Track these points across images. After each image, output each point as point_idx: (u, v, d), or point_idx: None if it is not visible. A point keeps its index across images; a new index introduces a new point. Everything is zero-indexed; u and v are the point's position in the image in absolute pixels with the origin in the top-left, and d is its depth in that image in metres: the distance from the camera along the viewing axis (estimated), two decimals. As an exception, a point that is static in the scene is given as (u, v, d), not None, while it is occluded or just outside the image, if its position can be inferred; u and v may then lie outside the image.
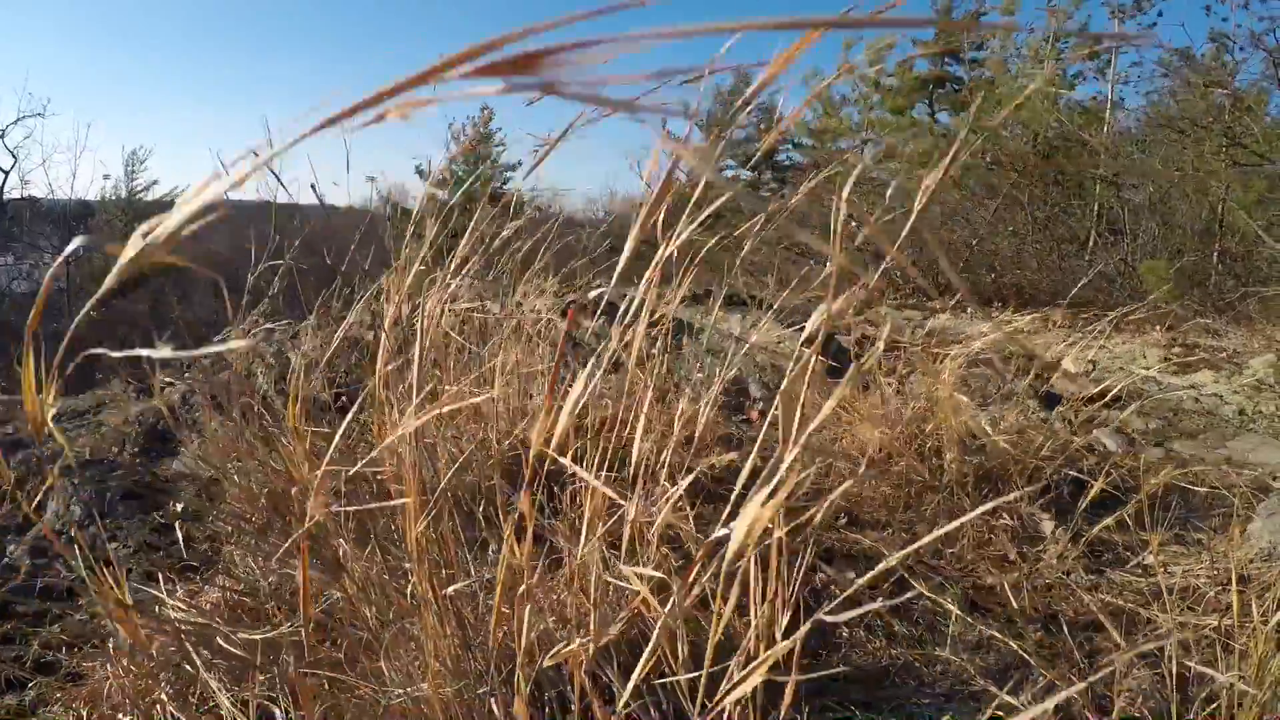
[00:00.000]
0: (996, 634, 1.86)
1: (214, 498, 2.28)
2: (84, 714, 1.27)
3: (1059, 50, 14.08)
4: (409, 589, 1.14)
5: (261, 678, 1.13)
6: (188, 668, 1.13)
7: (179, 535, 2.04)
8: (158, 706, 1.18)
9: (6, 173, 21.17)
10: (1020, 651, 1.76)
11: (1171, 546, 2.37)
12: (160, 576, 1.86)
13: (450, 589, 1.06)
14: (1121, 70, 12.94)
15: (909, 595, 1.26)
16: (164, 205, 22.66)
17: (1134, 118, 12.53)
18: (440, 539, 1.13)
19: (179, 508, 2.54)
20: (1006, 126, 12.19)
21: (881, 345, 1.17)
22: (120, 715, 1.20)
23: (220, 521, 2.07)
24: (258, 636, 1.11)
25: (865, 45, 22.32)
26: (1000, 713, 1.62)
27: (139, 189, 23.47)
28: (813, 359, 0.98)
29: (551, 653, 0.92)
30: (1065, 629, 1.90)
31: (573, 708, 1.02)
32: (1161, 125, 10.87)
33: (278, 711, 1.05)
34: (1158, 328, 6.34)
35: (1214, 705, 1.46)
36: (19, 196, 21.68)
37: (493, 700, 1.01)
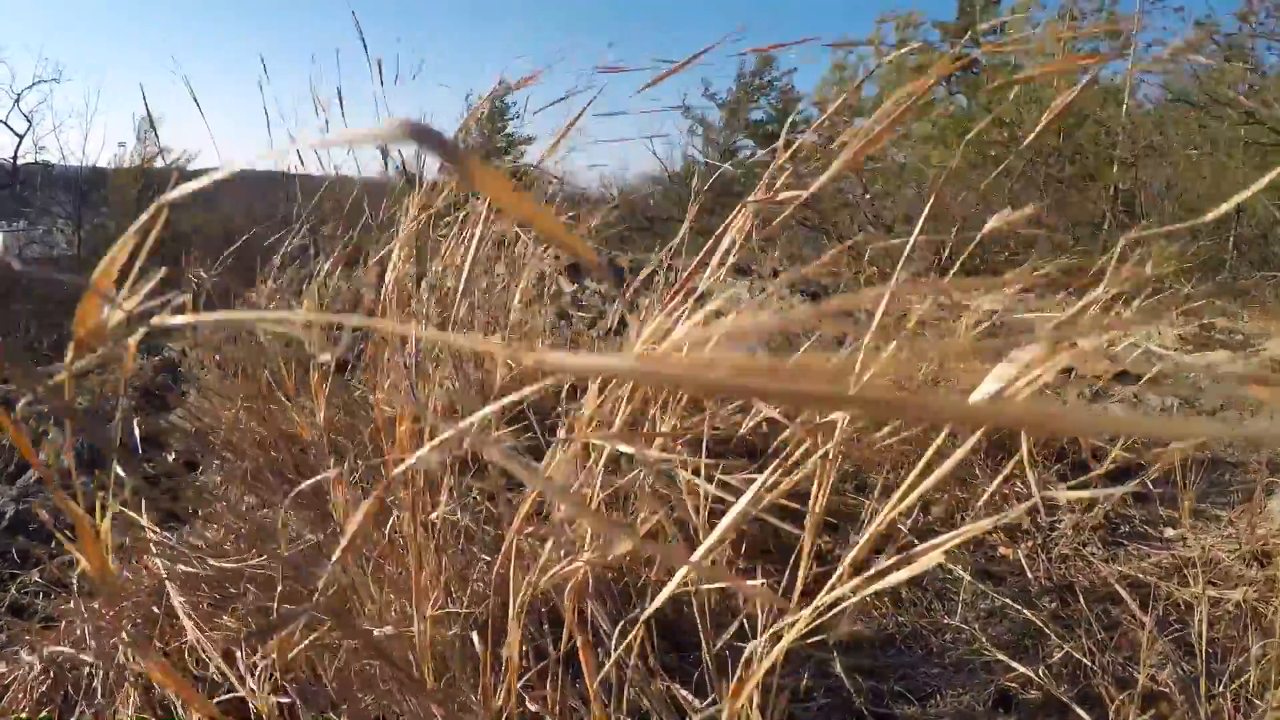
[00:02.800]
0: (1010, 602, 1.79)
1: (205, 450, 2.22)
2: (43, 653, 1.22)
3: (1075, 28, 13.84)
4: (389, 525, 1.08)
5: (231, 618, 1.08)
6: (154, 609, 1.08)
7: (168, 485, 1.99)
8: (119, 647, 1.12)
9: (21, 137, 21.04)
10: (1035, 621, 1.70)
11: (1190, 520, 2.29)
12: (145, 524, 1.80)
13: (434, 514, 1.00)
14: (1143, 48, 12.67)
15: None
16: (178, 171, 22.52)
17: (1152, 92, 12.30)
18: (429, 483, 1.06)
19: (170, 459, 2.49)
20: (1021, 107, 12.01)
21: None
22: (82, 654, 1.15)
23: (210, 472, 2.01)
24: (230, 565, 1.05)
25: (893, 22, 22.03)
26: (1013, 684, 1.55)
27: (151, 155, 23.25)
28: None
29: (550, 573, 0.85)
30: (1082, 600, 1.83)
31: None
32: (1179, 100, 10.69)
33: (239, 652, 0.99)
34: (1172, 309, 6.22)
35: (1243, 679, 1.40)
36: (33, 162, 21.55)
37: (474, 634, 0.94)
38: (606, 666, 0.93)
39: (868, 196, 12.37)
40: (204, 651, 0.96)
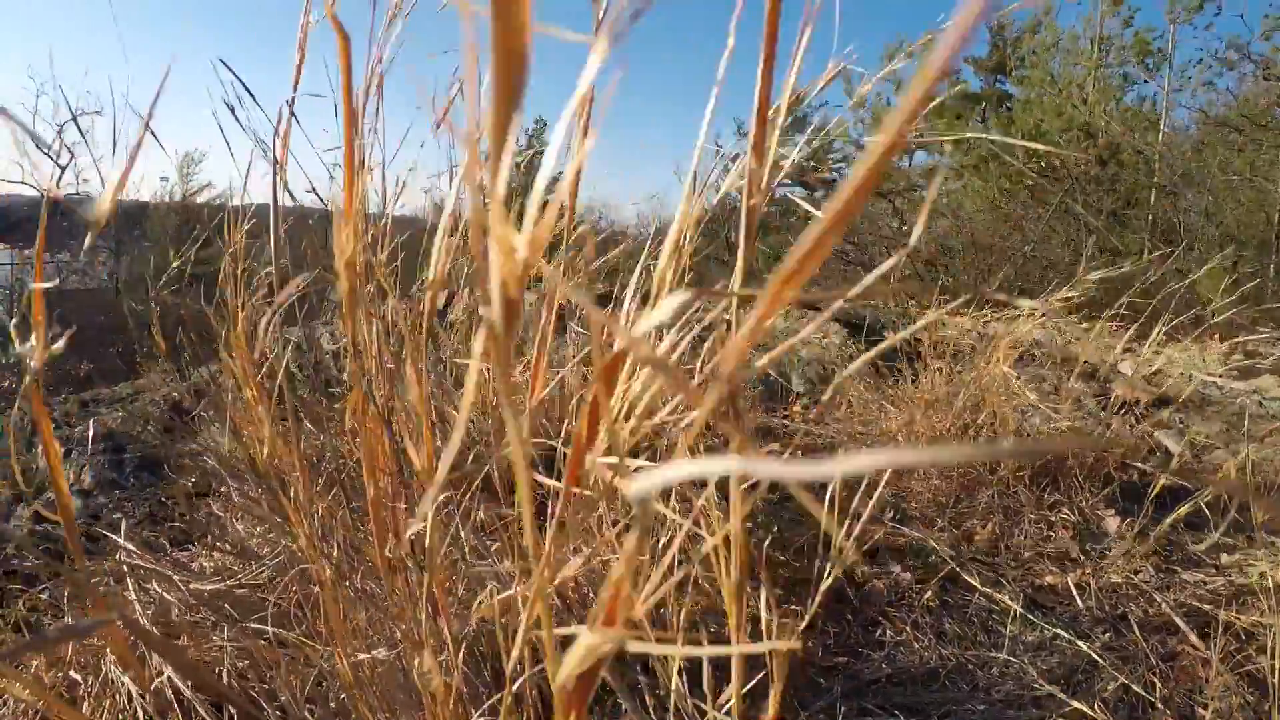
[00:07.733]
0: (1061, 633, 1.68)
1: (222, 473, 2.18)
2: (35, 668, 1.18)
3: (1104, 52, 13.67)
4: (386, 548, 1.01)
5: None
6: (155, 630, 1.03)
7: (183, 507, 1.95)
8: (103, 661, 1.08)
9: (63, 169, 21.51)
10: (1089, 653, 1.59)
11: (1245, 548, 2.17)
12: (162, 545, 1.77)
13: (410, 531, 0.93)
14: (1179, 66, 12.43)
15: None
16: (217, 209, 22.77)
17: (1189, 117, 12.04)
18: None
19: (189, 482, 2.46)
20: (1057, 133, 11.87)
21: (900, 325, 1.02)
22: (71, 672, 1.11)
23: (223, 495, 1.97)
24: (208, 587, 0.99)
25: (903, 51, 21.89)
26: None
27: (192, 191, 23.60)
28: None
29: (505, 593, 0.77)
30: (1136, 630, 1.71)
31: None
32: (1218, 124, 10.49)
33: (223, 671, 0.93)
34: (1215, 336, 6.05)
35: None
36: (75, 193, 21.99)
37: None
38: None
39: (904, 228, 12.28)
40: (172, 675, 0.91)
